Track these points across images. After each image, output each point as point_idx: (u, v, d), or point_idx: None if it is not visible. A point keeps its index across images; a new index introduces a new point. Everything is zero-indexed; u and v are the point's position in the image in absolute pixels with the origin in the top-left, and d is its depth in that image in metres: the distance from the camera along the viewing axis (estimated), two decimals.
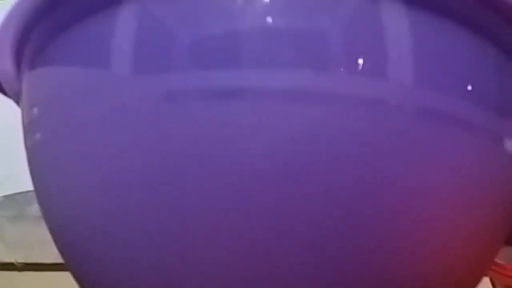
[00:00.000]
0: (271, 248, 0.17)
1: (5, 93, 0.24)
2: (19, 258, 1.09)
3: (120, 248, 0.18)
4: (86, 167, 0.19)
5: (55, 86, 0.20)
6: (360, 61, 0.17)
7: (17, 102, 0.24)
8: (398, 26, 0.18)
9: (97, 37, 0.19)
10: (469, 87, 0.18)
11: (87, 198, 0.19)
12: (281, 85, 0.17)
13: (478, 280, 0.23)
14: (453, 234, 0.19)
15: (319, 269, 0.17)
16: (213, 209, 0.17)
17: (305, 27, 0.17)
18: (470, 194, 0.19)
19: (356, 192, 0.17)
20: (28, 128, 0.21)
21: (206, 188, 0.17)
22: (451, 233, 0.19)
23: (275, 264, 0.17)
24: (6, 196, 1.06)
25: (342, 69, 0.17)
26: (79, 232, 0.19)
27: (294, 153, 0.17)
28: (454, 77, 0.18)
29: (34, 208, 1.04)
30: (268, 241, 0.17)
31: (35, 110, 0.21)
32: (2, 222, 1.11)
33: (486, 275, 0.22)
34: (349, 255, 0.17)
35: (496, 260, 0.40)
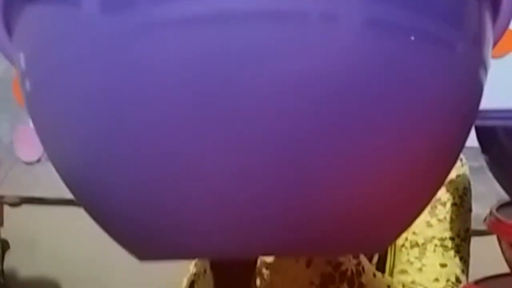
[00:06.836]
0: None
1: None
2: None
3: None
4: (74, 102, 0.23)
5: (38, 38, 0.24)
6: None
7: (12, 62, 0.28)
8: None
9: None
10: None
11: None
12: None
13: (410, 219, 0.26)
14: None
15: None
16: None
17: None
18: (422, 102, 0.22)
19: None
20: (23, 76, 0.26)
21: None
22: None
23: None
24: None
25: None
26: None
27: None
28: None
29: None
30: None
31: (27, 59, 0.25)
32: None
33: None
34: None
35: (503, 218, 0.41)
